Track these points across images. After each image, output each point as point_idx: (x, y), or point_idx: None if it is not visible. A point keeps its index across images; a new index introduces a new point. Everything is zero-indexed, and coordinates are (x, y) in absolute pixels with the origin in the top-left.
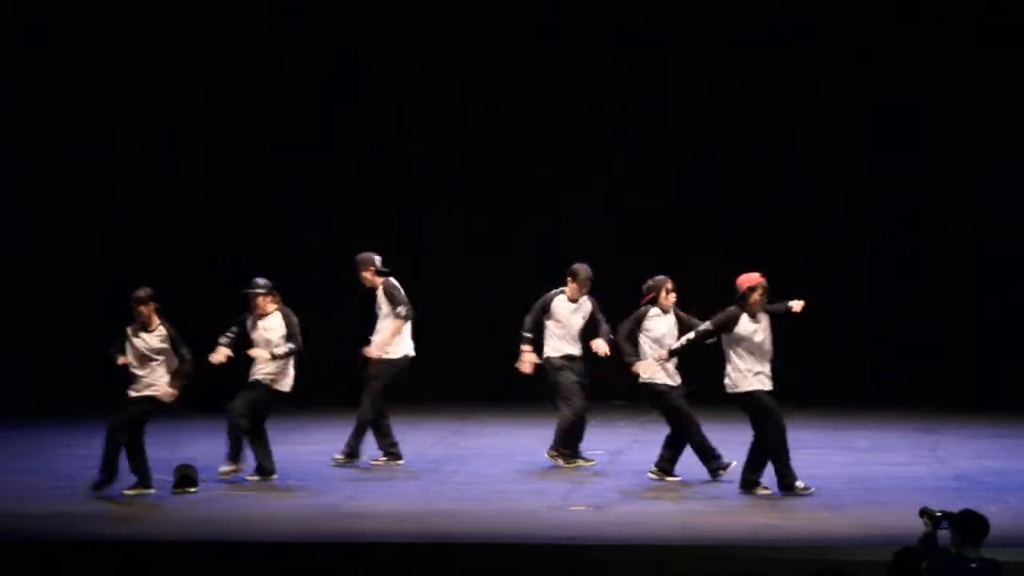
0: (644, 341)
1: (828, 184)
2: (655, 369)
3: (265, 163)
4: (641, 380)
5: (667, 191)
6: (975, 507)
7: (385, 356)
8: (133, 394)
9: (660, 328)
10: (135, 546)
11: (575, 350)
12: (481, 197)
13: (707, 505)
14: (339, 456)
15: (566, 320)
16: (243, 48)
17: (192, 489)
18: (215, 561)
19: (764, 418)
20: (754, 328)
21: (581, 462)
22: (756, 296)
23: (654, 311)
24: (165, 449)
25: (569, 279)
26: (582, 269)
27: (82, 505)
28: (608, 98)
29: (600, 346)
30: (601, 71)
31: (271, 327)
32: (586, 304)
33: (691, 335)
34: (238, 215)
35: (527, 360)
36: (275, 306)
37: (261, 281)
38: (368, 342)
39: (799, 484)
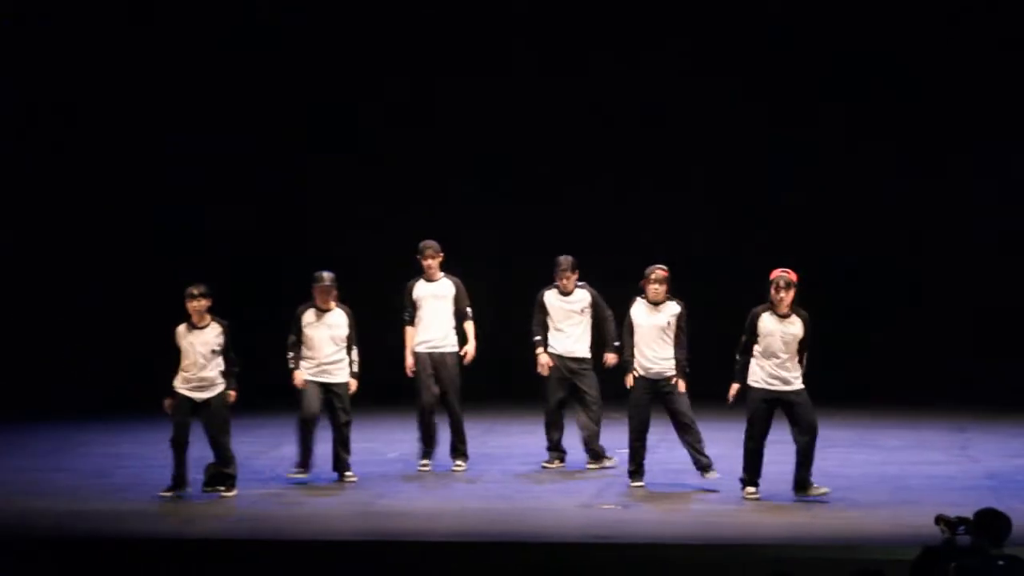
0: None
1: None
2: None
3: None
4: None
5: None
6: (1008, 506)
7: (455, 351)
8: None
9: (639, 319)
10: (163, 544)
11: None
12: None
13: (737, 505)
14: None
15: None
16: (240, 45)
17: (222, 488)
18: (245, 560)
19: (749, 413)
20: (771, 327)
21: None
22: (771, 291)
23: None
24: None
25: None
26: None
27: (118, 504)
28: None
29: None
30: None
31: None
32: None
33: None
34: (238, 214)
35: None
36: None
37: (328, 274)
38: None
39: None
